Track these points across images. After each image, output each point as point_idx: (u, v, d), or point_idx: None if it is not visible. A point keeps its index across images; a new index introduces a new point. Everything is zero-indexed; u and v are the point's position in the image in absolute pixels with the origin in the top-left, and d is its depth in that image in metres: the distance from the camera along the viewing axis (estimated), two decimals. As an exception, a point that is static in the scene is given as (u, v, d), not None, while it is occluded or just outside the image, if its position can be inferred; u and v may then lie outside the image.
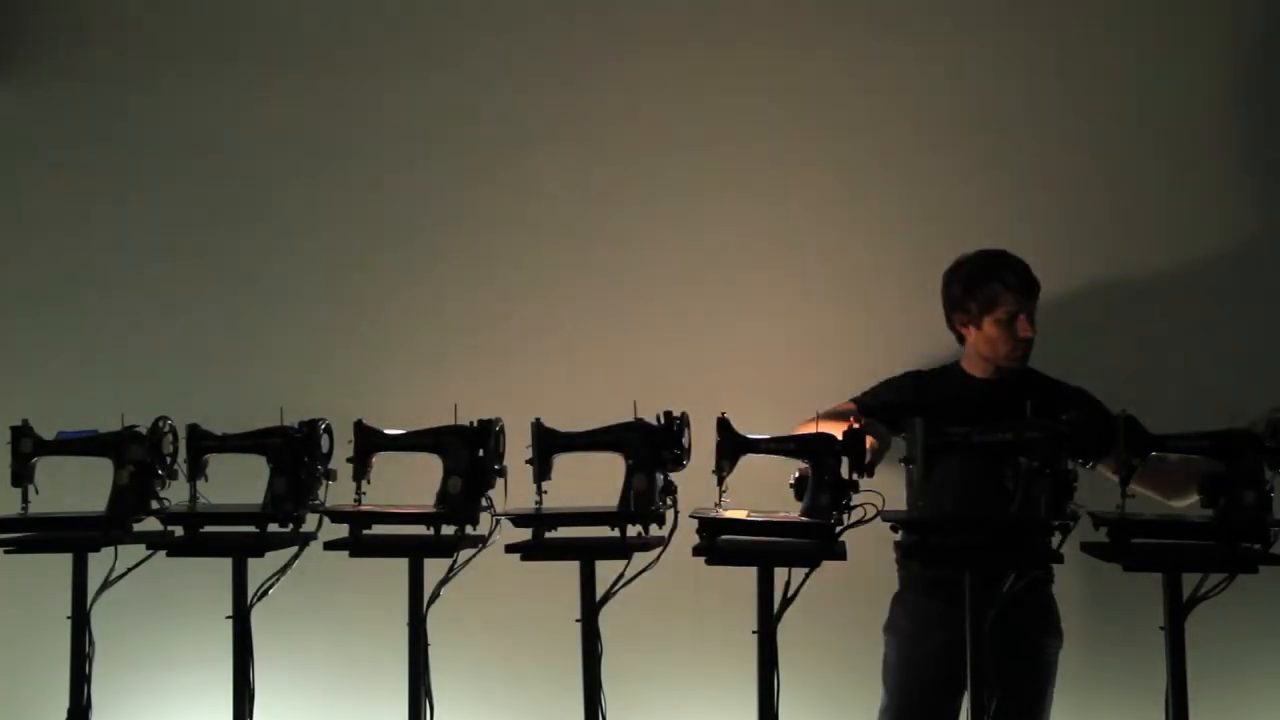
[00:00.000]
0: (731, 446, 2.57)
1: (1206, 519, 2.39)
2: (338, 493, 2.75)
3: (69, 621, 2.82)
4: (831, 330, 3.48)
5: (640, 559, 2.54)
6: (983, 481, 2.61)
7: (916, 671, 2.90)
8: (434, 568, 2.67)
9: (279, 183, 3.80)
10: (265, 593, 2.77)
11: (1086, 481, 2.36)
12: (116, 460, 2.85)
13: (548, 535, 2.59)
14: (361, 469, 2.69)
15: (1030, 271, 2.90)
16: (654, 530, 2.57)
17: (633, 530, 2.56)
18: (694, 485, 2.65)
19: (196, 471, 2.81)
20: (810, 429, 2.58)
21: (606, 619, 2.57)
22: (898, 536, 2.54)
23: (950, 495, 2.74)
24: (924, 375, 3.02)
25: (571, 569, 2.58)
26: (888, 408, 2.88)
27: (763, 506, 2.63)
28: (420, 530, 2.65)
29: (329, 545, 2.69)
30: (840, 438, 2.50)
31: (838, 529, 2.44)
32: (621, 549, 2.54)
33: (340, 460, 2.73)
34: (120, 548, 2.85)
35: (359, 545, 2.65)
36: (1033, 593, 2.81)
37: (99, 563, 2.84)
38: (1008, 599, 2.41)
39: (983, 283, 2.89)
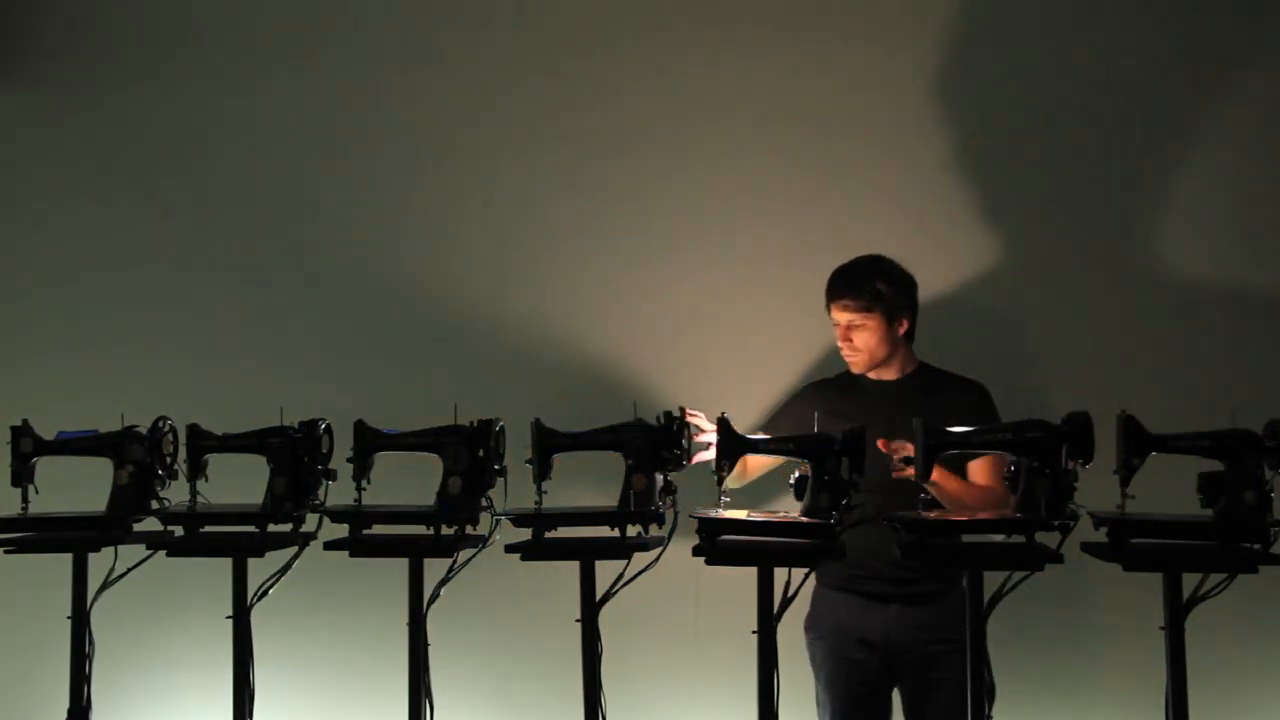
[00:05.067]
0: (731, 446, 2.57)
1: (1206, 519, 2.39)
2: (338, 493, 2.75)
3: (69, 621, 2.81)
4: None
5: (640, 559, 2.54)
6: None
7: (847, 666, 2.92)
8: (434, 568, 2.67)
9: (279, 183, 3.80)
10: (265, 593, 2.76)
11: (1086, 481, 2.36)
12: (116, 460, 2.84)
13: (548, 535, 2.59)
14: (361, 469, 2.69)
15: (859, 283, 2.91)
16: (654, 530, 2.56)
17: (633, 530, 2.56)
18: (694, 485, 2.65)
19: (196, 471, 2.81)
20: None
21: (606, 619, 2.57)
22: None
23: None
24: (825, 384, 3.07)
25: (571, 569, 2.58)
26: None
27: (762, 507, 2.64)
28: (420, 530, 2.64)
29: (329, 545, 2.69)
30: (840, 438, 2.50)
31: (837, 529, 2.44)
32: (621, 549, 2.54)
33: (340, 460, 2.73)
34: (120, 548, 2.84)
35: (359, 545, 2.65)
36: (947, 586, 2.86)
37: (99, 563, 2.84)
38: (999, 598, 2.41)
39: (826, 294, 2.98)
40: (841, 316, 2.94)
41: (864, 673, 2.91)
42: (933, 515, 2.50)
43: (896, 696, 2.97)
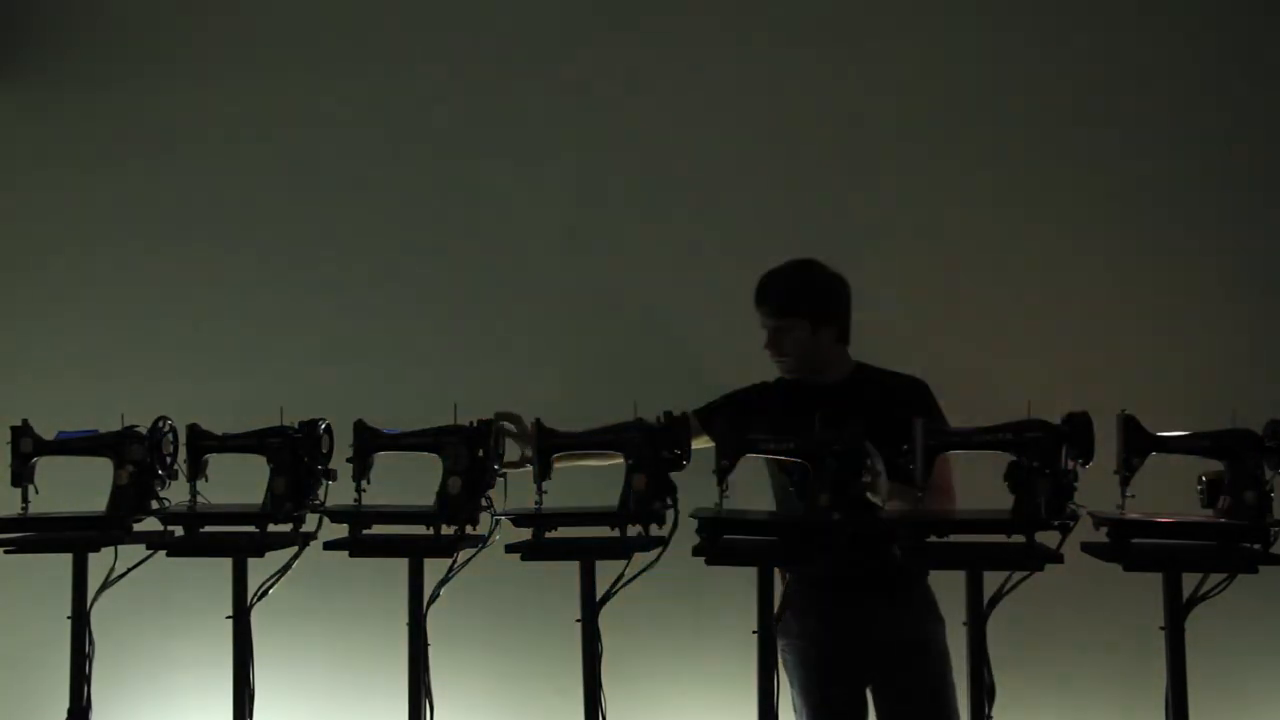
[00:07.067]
0: (732, 446, 2.57)
1: (1207, 519, 2.39)
2: (338, 493, 2.75)
3: (69, 621, 2.81)
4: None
5: (640, 559, 2.54)
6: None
7: (817, 670, 2.92)
8: (434, 568, 2.66)
9: (278, 183, 3.80)
10: (265, 593, 2.76)
11: (1086, 481, 2.36)
12: (116, 460, 2.84)
13: (548, 535, 2.59)
14: (361, 469, 2.69)
15: (782, 290, 2.90)
16: (654, 530, 2.56)
17: (633, 530, 2.56)
18: (694, 485, 2.64)
19: (196, 471, 2.80)
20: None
21: (606, 619, 2.57)
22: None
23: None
24: (766, 387, 3.05)
25: (571, 569, 2.58)
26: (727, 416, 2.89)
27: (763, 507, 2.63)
28: (420, 530, 2.64)
29: (329, 545, 2.68)
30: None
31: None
32: (621, 549, 2.53)
33: (340, 460, 2.73)
34: (120, 548, 2.84)
35: (359, 545, 2.65)
36: (912, 585, 2.88)
37: (99, 563, 2.83)
38: (999, 598, 2.41)
39: (754, 300, 2.96)
40: (768, 323, 2.92)
41: (835, 676, 2.90)
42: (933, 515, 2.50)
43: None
